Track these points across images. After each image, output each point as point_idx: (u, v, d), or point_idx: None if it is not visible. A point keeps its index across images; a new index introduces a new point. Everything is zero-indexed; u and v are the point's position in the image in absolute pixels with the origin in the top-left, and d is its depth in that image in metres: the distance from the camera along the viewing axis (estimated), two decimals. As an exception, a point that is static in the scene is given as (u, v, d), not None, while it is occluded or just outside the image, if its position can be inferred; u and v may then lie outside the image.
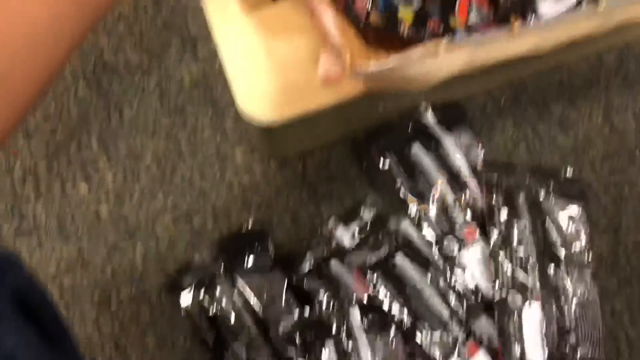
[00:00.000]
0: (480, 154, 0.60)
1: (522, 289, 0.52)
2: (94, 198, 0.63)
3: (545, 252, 0.54)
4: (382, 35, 0.49)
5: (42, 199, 0.63)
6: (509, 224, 0.55)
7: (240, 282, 0.55)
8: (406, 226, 0.58)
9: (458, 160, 0.58)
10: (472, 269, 0.55)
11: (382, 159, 0.58)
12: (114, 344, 0.58)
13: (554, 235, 0.55)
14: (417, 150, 0.58)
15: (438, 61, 0.45)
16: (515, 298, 0.52)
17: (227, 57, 0.56)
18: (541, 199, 0.57)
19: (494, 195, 0.56)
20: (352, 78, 0.43)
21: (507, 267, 0.53)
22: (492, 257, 0.54)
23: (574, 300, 0.53)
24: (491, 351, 0.53)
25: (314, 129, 0.60)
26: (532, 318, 0.51)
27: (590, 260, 0.55)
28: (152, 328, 0.59)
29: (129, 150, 0.64)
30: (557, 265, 0.54)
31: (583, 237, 0.56)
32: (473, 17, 0.52)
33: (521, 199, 0.56)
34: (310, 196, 0.62)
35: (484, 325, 0.54)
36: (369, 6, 0.49)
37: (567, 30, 0.46)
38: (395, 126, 0.61)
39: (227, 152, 0.64)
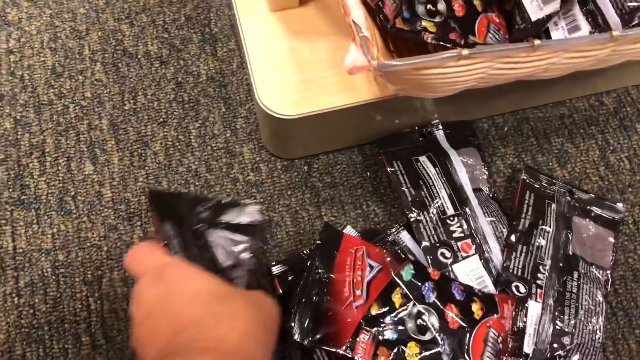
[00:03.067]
0: (484, 174, 0.62)
1: (528, 282, 0.55)
2: (98, 178, 0.63)
3: (562, 260, 0.57)
4: (407, 39, 0.51)
5: (46, 174, 0.63)
6: (533, 224, 0.58)
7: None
8: (404, 236, 0.59)
9: (462, 177, 0.60)
10: (463, 280, 0.56)
11: (389, 166, 0.60)
12: (101, 323, 0.57)
13: (577, 250, 0.58)
14: (425, 162, 0.60)
15: (458, 69, 0.47)
16: (519, 288, 0.55)
17: (251, 50, 0.58)
18: (574, 217, 0.60)
19: (527, 196, 0.60)
20: (377, 72, 0.45)
21: (520, 259, 0.56)
22: (508, 246, 0.57)
23: (578, 309, 0.55)
24: None
25: (323, 134, 0.61)
26: (529, 310, 0.54)
27: (608, 282, 0.58)
28: (141, 312, 0.58)
29: (139, 136, 0.65)
30: (571, 275, 0.57)
31: (607, 260, 0.59)
32: (490, 39, 0.55)
33: (552, 208, 0.60)
34: (312, 199, 0.63)
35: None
36: (395, 13, 0.52)
37: (580, 53, 0.49)
38: (406, 137, 0.62)
39: (236, 149, 0.65)
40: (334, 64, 0.58)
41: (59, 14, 0.70)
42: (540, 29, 0.55)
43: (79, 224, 0.61)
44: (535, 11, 0.55)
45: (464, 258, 0.56)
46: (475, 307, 0.53)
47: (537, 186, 0.61)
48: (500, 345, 0.52)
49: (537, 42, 0.46)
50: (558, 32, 0.55)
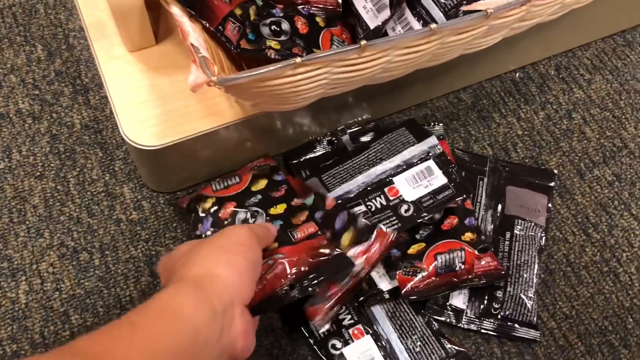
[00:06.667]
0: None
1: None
2: (-24, 240, 0.62)
3: (497, 223, 0.65)
4: (251, 57, 0.55)
5: None
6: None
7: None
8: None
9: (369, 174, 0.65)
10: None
11: (297, 175, 0.66)
12: (-10, 385, 0.56)
13: (512, 211, 0.66)
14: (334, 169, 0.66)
15: (298, 77, 0.50)
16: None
17: (113, 91, 0.60)
18: (507, 187, 0.67)
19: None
20: (218, 86, 0.47)
21: None
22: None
23: (510, 266, 0.62)
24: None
25: (198, 162, 0.63)
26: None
27: (542, 238, 0.64)
28: (34, 367, 0.57)
29: (16, 192, 0.65)
30: (503, 236, 0.64)
31: (542, 220, 0.65)
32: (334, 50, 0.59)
33: (483, 182, 0.67)
34: (199, 227, 0.64)
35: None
36: (238, 36, 0.55)
37: (410, 49, 0.53)
38: (314, 145, 0.68)
39: (116, 190, 0.66)
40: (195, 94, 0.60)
41: None
42: (379, 35, 0.60)
43: (-40, 288, 0.60)
44: (371, 19, 0.60)
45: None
46: (346, 236, 0.58)
47: (469, 165, 0.68)
48: (362, 273, 0.56)
49: (363, 42, 0.50)
50: (368, 17, 0.60)
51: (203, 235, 0.59)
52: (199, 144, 0.59)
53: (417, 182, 0.64)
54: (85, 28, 0.63)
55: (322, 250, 0.55)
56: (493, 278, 0.59)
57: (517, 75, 0.76)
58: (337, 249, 0.56)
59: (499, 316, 0.60)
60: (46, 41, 0.73)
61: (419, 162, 0.65)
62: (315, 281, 0.53)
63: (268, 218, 0.59)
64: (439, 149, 0.65)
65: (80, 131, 0.68)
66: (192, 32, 0.49)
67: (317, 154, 0.68)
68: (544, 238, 0.64)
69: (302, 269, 0.53)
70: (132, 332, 0.38)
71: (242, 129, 0.60)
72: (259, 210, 0.60)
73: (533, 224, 0.65)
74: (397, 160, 0.65)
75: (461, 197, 0.63)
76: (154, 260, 0.62)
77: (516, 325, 0.60)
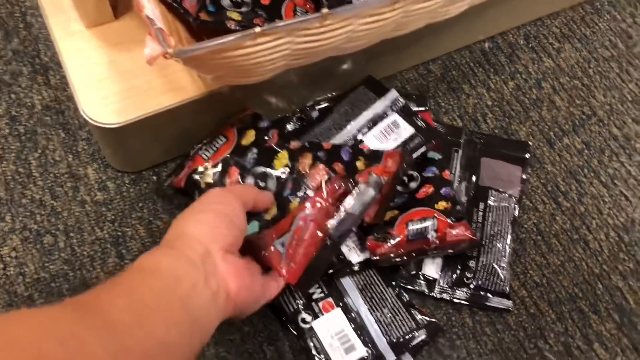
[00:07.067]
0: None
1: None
2: None
3: (471, 194, 0.65)
4: (211, 29, 0.53)
5: None
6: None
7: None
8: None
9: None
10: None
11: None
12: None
13: (487, 182, 0.65)
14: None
15: (259, 48, 0.49)
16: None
17: (72, 68, 0.58)
18: (482, 159, 0.67)
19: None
20: (175, 58, 0.46)
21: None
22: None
23: (483, 236, 0.62)
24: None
25: (162, 139, 0.62)
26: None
27: (515, 208, 0.64)
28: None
29: (-25, 176, 0.63)
30: (477, 207, 0.64)
31: (516, 190, 0.65)
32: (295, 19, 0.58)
33: (458, 154, 0.66)
34: (166, 206, 0.63)
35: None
36: (197, 8, 0.53)
37: (373, 17, 0.52)
38: (283, 123, 0.67)
39: (80, 171, 0.64)
40: (156, 67, 0.58)
41: None
42: (343, 5, 0.58)
43: None
44: (335, -11, 0.58)
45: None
46: (359, 163, 0.59)
47: (443, 136, 0.67)
48: (383, 182, 0.57)
49: (324, 10, 0.49)
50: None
51: None
52: (162, 120, 0.58)
53: (386, 136, 0.64)
54: (41, 3, 0.61)
55: (343, 191, 0.55)
56: (466, 247, 0.59)
57: (486, 45, 0.75)
58: (357, 184, 0.56)
59: (472, 286, 0.60)
60: (2, 20, 0.71)
61: (383, 117, 0.65)
62: (351, 221, 0.53)
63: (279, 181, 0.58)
64: (401, 101, 0.65)
65: (40, 112, 0.67)
66: (147, 4, 0.48)
67: (287, 130, 0.66)
68: (517, 209, 0.64)
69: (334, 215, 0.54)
70: (113, 286, 0.40)
71: (206, 104, 0.59)
72: (266, 170, 0.59)
73: (507, 194, 0.64)
74: (362, 119, 0.65)
75: (431, 143, 0.63)
76: (121, 241, 0.61)
77: (489, 294, 0.60)
